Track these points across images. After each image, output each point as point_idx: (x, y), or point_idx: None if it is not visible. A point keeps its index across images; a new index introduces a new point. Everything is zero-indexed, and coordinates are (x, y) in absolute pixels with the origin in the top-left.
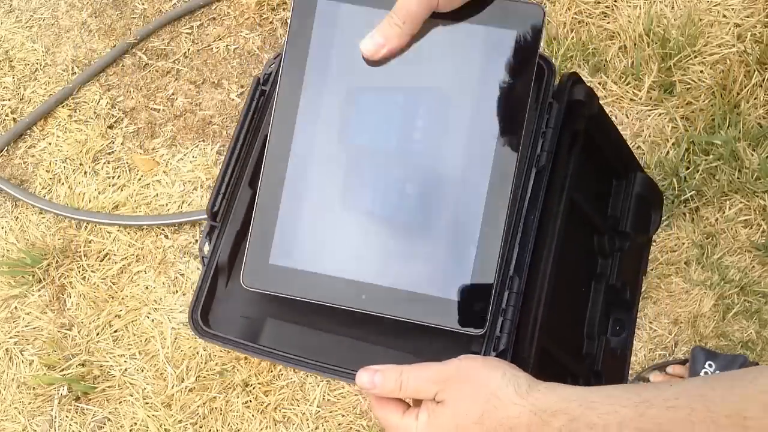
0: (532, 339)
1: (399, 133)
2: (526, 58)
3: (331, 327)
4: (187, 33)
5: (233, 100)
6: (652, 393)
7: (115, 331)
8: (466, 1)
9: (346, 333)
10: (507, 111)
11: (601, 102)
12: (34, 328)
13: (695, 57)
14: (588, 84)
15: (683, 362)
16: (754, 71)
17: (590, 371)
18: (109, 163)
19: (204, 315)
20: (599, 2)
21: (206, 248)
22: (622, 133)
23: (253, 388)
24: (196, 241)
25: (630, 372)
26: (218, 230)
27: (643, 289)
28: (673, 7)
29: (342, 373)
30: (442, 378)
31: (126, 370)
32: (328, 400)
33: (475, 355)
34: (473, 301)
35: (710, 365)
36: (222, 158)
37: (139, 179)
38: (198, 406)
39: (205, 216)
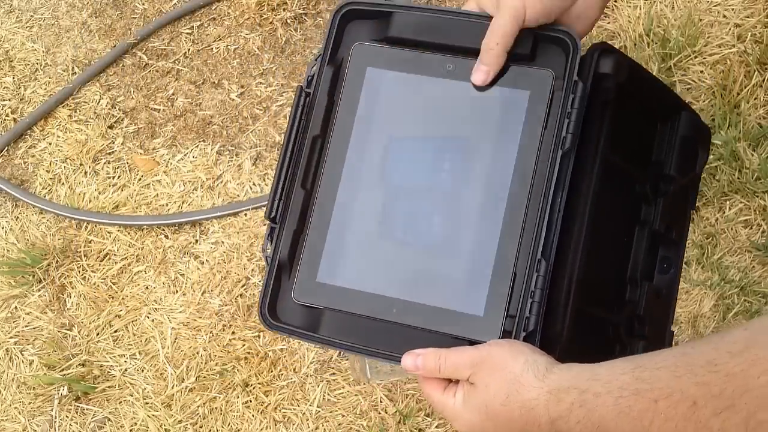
0: (566, 308)
1: (428, 174)
2: (537, 114)
3: (380, 316)
4: (187, 33)
5: (233, 100)
6: (646, 359)
7: (115, 331)
8: (551, 18)
9: (392, 321)
10: (522, 150)
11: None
12: (34, 328)
13: (695, 57)
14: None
15: None
16: (754, 71)
17: (633, 317)
18: (109, 163)
19: (272, 309)
20: None
21: (269, 248)
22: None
23: (253, 388)
24: (196, 241)
25: None
26: (277, 230)
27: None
28: (673, 8)
29: (389, 356)
30: (475, 362)
31: (126, 370)
32: (328, 400)
33: (504, 341)
34: (489, 311)
35: None
36: (221, 158)
37: (139, 179)
38: (198, 406)
39: (206, 216)
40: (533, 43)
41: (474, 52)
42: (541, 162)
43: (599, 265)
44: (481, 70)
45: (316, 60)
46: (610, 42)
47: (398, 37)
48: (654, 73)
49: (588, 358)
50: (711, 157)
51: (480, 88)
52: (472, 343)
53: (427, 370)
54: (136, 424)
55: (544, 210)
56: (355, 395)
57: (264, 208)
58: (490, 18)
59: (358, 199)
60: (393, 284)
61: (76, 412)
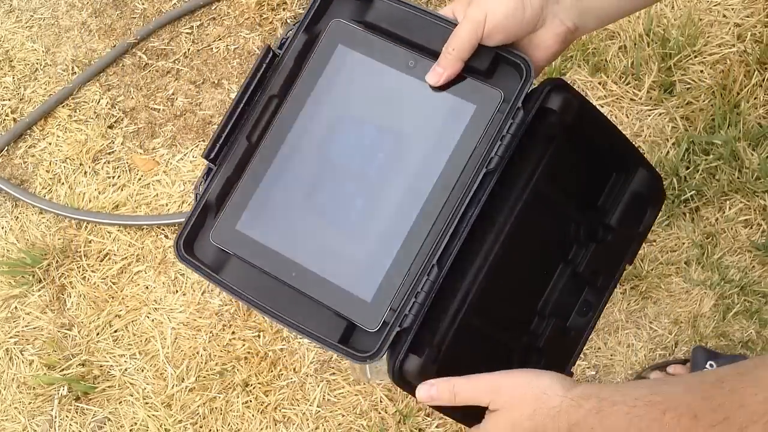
0: (454, 318)
1: (363, 159)
2: (476, 129)
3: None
4: (187, 33)
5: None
6: (669, 380)
7: (115, 331)
8: (506, 41)
9: (288, 284)
10: (452, 160)
11: (600, 102)
12: (34, 328)
13: (695, 57)
14: (582, 85)
15: (684, 362)
16: (754, 71)
17: (531, 347)
18: (109, 163)
19: (188, 243)
20: None
21: (201, 187)
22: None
23: (253, 388)
24: None
25: (630, 372)
26: (214, 172)
27: (643, 289)
28: (673, 7)
29: (274, 314)
30: (494, 388)
31: (126, 370)
32: (328, 400)
33: (518, 370)
34: (376, 300)
35: (711, 365)
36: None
37: (139, 179)
38: (198, 406)
39: None
40: (492, 61)
41: (437, 55)
42: (464, 175)
43: (506, 287)
44: (436, 72)
45: (294, 25)
46: (609, 41)
47: (374, 23)
48: (654, 73)
49: (476, 372)
50: (711, 156)
51: (432, 90)
52: (352, 323)
53: (442, 400)
54: (136, 424)
55: (452, 220)
56: (355, 395)
57: None
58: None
59: (294, 164)
60: (300, 250)
61: (76, 412)
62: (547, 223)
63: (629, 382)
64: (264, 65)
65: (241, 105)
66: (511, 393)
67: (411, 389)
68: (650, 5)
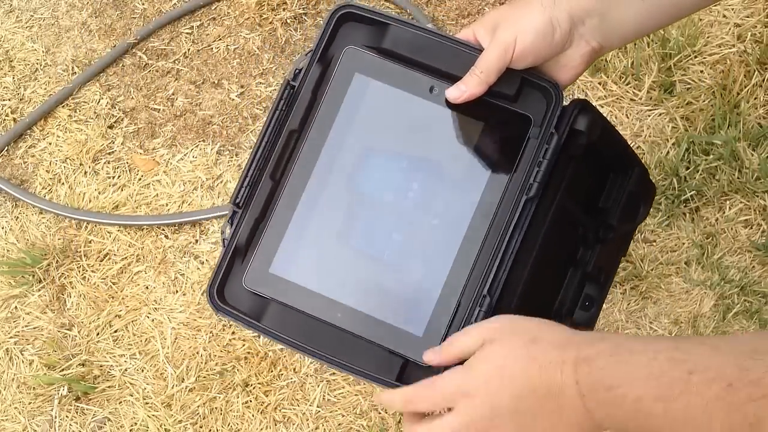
0: None
1: (396, 190)
2: (513, 149)
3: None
4: (187, 33)
5: (233, 100)
6: (690, 337)
7: (115, 331)
8: (534, 64)
9: (334, 325)
10: (489, 187)
11: (600, 102)
12: (34, 328)
13: (695, 57)
14: (582, 85)
15: None
16: (754, 71)
17: None
18: (109, 163)
19: (220, 291)
20: None
21: (227, 231)
22: (622, 133)
23: (253, 388)
24: (196, 241)
25: None
26: (239, 215)
27: (643, 289)
28: None
29: (324, 357)
30: (483, 335)
31: (126, 370)
32: (329, 400)
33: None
34: (428, 334)
35: None
36: (221, 158)
37: (139, 179)
38: (198, 406)
39: (206, 216)
40: (519, 86)
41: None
42: (505, 202)
43: (533, 300)
44: (458, 88)
45: (306, 55)
46: None
47: (391, 50)
48: (654, 73)
49: None
50: (711, 157)
51: (460, 117)
52: (406, 360)
53: (451, 357)
54: (136, 424)
55: (498, 249)
56: (355, 395)
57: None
58: (481, 50)
59: (324, 200)
60: (342, 289)
61: (76, 412)
62: (565, 234)
63: (648, 336)
64: (282, 99)
65: (263, 143)
66: (508, 323)
67: None
68: (672, 23)
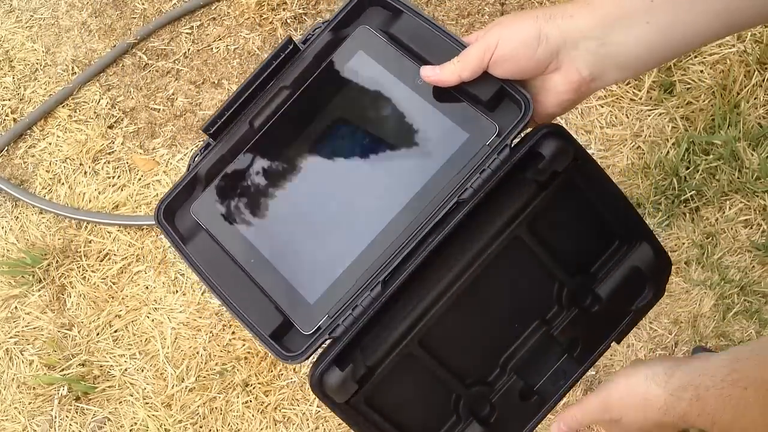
0: (396, 345)
1: (349, 161)
2: (462, 158)
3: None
4: (187, 33)
5: None
6: (742, 349)
7: (115, 331)
8: (513, 74)
9: (244, 270)
10: (430, 183)
11: (600, 102)
12: (34, 328)
13: (695, 57)
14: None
15: None
16: (754, 71)
17: (484, 399)
18: (109, 163)
19: (171, 210)
20: None
21: (197, 158)
22: (621, 133)
23: (253, 388)
24: None
25: None
26: (211, 148)
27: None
28: None
29: (224, 299)
30: (605, 406)
31: (126, 370)
32: None
33: (621, 371)
34: (318, 304)
35: None
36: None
37: (139, 179)
38: (198, 406)
39: None
40: (496, 94)
41: None
42: (435, 199)
43: (463, 329)
44: (433, 69)
45: (323, 23)
46: None
47: (397, 36)
48: (654, 73)
49: (412, 409)
50: (711, 156)
51: (432, 111)
52: (288, 320)
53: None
54: (136, 424)
55: (410, 242)
56: None
57: None
58: None
59: (284, 157)
60: (266, 240)
61: (76, 412)
62: (526, 276)
63: (710, 360)
64: (283, 53)
65: (252, 88)
66: (619, 405)
67: (328, 401)
68: (676, 57)
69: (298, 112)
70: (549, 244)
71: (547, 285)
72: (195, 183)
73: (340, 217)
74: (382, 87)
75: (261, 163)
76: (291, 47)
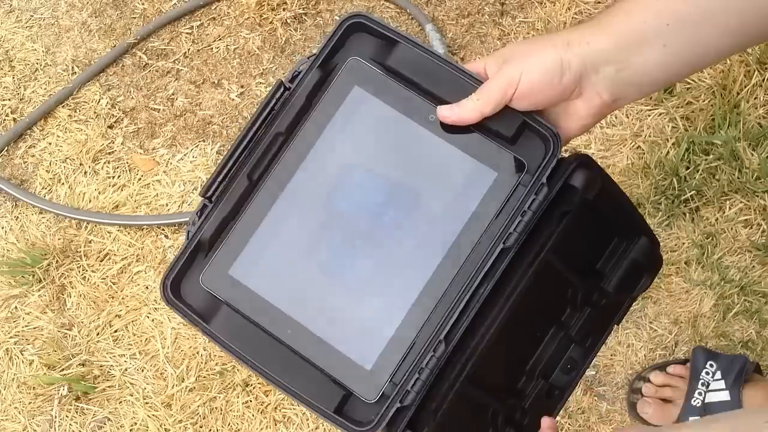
0: (450, 390)
1: (372, 214)
2: (495, 200)
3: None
4: (187, 33)
5: (233, 100)
6: (717, 420)
7: (115, 331)
8: (537, 107)
9: (282, 342)
10: (466, 229)
11: None
12: (34, 328)
13: None
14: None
15: (684, 362)
16: (754, 71)
17: (515, 406)
18: (109, 163)
19: (176, 284)
20: (599, 2)
21: (194, 225)
22: (621, 133)
23: (253, 388)
24: None
25: (630, 372)
26: (209, 210)
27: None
28: None
29: (264, 374)
30: None
31: (126, 370)
32: None
33: None
34: (377, 369)
35: (711, 365)
36: (221, 158)
37: (139, 179)
38: (198, 406)
39: None
40: (519, 128)
41: None
42: (479, 247)
43: (501, 355)
44: (451, 108)
45: (308, 59)
46: None
47: (395, 68)
48: None
49: None
50: (711, 156)
51: (452, 150)
52: (349, 392)
53: None
54: (136, 424)
55: (463, 296)
56: None
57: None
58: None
59: (298, 210)
60: (298, 306)
61: (76, 412)
62: (549, 290)
63: (685, 425)
64: (275, 100)
65: (245, 141)
66: None
67: None
68: (693, 73)
69: (298, 159)
70: (568, 259)
71: (563, 292)
72: (197, 251)
73: (376, 274)
74: (389, 125)
75: (272, 219)
76: (282, 91)
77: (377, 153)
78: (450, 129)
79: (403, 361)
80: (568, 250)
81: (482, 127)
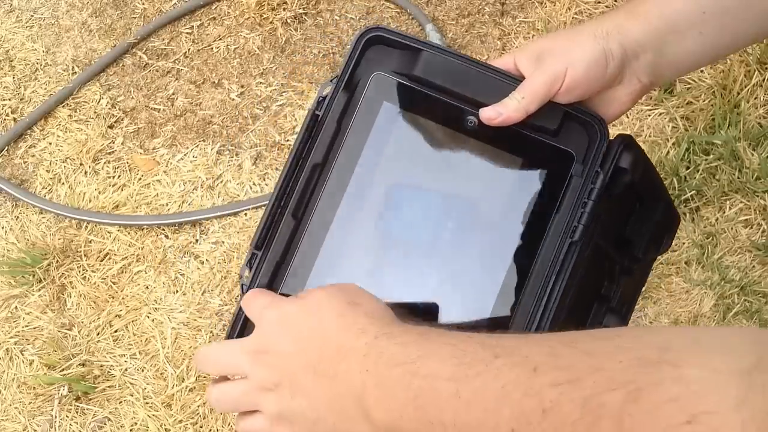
0: None
1: (428, 231)
2: (552, 195)
3: None
4: (187, 33)
5: (233, 99)
6: (510, 333)
7: (116, 331)
8: (582, 98)
9: None
10: (529, 229)
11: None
12: (34, 328)
13: None
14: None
15: None
16: (754, 71)
17: None
18: (109, 162)
19: (240, 336)
20: (599, 2)
21: (246, 274)
22: (621, 132)
23: None
24: (197, 241)
25: None
26: (259, 258)
27: (643, 289)
28: None
29: None
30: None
31: (126, 370)
32: None
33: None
34: None
35: None
36: (221, 158)
37: (140, 179)
38: (198, 406)
39: (206, 216)
40: (561, 121)
41: None
42: (547, 246)
43: None
44: (495, 109)
45: (331, 81)
46: None
47: (422, 77)
48: None
49: None
50: (711, 156)
51: (497, 151)
52: None
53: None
54: (136, 423)
55: (542, 297)
56: None
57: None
58: (522, 80)
59: (350, 241)
60: None
61: (76, 412)
62: (595, 271)
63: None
64: (310, 131)
65: (287, 180)
66: (342, 284)
67: None
68: (728, 55)
69: (341, 187)
70: (608, 235)
71: (605, 268)
72: None
73: (445, 290)
74: (426, 136)
75: (326, 253)
76: (311, 121)
77: (419, 167)
78: (490, 131)
79: None
80: (611, 228)
81: (524, 124)
